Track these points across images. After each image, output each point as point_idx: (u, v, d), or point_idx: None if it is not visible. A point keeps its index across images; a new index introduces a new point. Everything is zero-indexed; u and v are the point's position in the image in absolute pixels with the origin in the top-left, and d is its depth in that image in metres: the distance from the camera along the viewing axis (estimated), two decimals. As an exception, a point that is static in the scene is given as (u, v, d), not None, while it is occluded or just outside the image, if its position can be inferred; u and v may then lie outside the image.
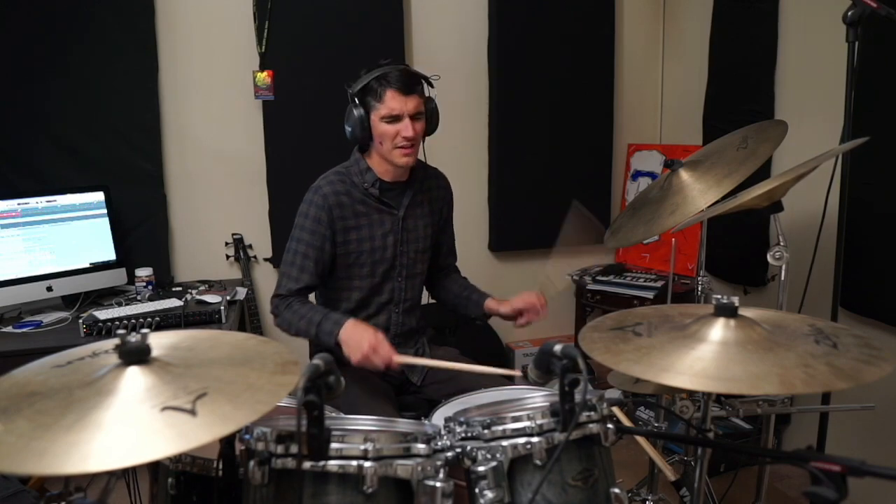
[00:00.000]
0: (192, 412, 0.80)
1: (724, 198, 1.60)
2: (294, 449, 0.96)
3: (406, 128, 1.71)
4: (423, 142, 1.85)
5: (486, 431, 1.05)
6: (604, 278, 3.08)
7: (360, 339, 1.60)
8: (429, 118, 1.80)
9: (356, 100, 1.74)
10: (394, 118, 1.70)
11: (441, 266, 2.06)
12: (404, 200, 1.86)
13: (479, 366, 1.63)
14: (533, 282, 1.93)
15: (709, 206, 1.60)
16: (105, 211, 2.57)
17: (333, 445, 0.95)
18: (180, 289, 2.69)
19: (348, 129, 1.78)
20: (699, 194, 1.67)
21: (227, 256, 2.95)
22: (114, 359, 0.90)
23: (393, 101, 1.69)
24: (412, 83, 1.72)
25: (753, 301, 2.60)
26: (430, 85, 1.81)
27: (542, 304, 1.78)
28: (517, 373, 1.49)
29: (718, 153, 1.78)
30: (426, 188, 1.93)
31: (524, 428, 1.04)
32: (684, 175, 1.76)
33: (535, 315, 1.79)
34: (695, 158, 1.84)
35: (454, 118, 2.90)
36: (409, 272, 1.90)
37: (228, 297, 2.48)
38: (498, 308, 1.86)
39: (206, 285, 2.72)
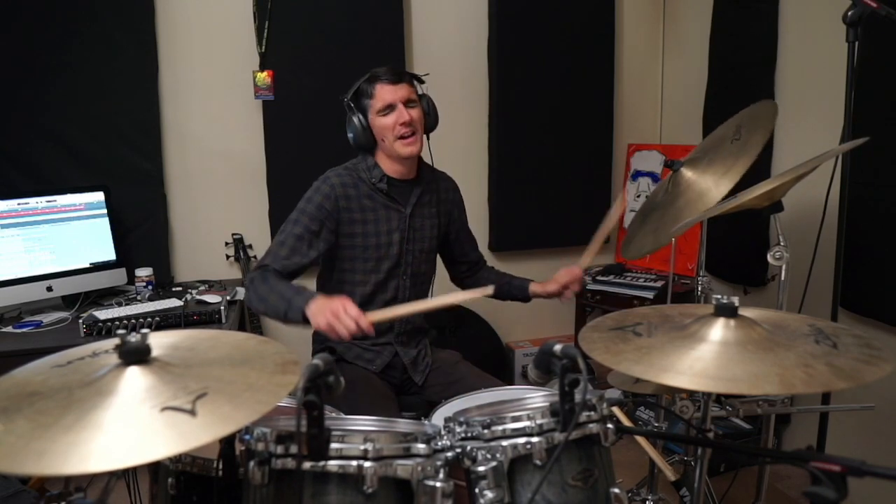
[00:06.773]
0: (192, 412, 0.80)
1: (724, 198, 1.60)
2: (294, 449, 0.96)
3: (401, 114, 1.74)
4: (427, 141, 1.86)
5: (486, 431, 1.05)
6: (604, 278, 3.08)
7: (323, 306, 1.51)
8: (426, 113, 1.82)
9: (352, 106, 1.79)
10: (388, 108, 1.75)
11: (473, 261, 2.10)
12: (412, 199, 1.86)
13: (450, 296, 1.67)
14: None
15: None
16: (105, 211, 2.57)
17: (333, 445, 0.95)
18: (180, 289, 2.69)
19: (351, 135, 1.81)
20: (704, 194, 1.68)
21: (227, 256, 2.94)
22: (114, 359, 0.90)
23: (384, 92, 1.75)
24: (400, 73, 1.78)
25: (753, 301, 2.60)
26: (420, 81, 1.84)
27: (581, 274, 1.85)
28: (489, 290, 1.66)
29: (714, 148, 1.79)
30: (433, 189, 1.93)
31: (524, 428, 1.04)
32: (687, 175, 1.77)
33: (578, 285, 1.85)
34: (693, 156, 1.84)
35: (454, 118, 2.90)
36: (415, 271, 1.90)
37: (228, 297, 2.48)
38: (544, 289, 1.90)
39: (206, 285, 2.72)
